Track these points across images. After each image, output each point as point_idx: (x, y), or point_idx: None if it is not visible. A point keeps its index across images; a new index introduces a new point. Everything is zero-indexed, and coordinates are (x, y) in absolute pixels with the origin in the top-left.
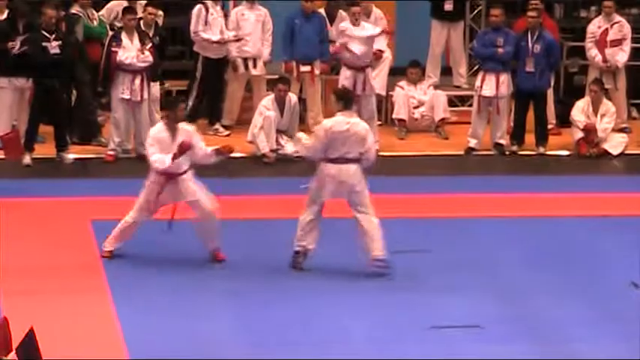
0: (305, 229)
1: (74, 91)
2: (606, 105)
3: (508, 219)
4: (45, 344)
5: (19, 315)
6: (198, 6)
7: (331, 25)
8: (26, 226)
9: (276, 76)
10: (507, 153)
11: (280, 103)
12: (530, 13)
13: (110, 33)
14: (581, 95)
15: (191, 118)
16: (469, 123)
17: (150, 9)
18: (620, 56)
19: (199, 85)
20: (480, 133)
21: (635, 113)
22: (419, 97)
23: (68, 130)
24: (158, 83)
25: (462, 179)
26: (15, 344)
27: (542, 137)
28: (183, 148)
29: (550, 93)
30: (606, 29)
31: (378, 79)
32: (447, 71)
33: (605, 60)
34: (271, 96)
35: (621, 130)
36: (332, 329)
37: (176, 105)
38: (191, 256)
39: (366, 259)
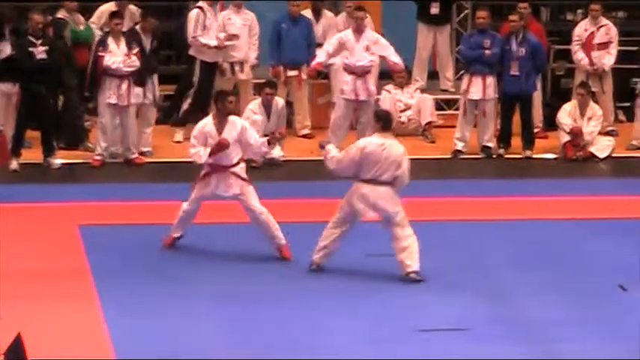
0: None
1: (61, 97)
2: (593, 108)
3: (495, 222)
4: (33, 349)
5: (6, 320)
6: (196, 10)
7: (317, 22)
8: (13, 231)
9: (263, 80)
10: (494, 156)
11: (267, 107)
12: (512, 17)
13: (97, 38)
14: (568, 98)
15: (182, 122)
16: (456, 126)
17: (150, 18)
18: (607, 59)
19: (196, 89)
20: (466, 137)
21: (621, 116)
22: (406, 101)
23: (55, 135)
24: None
25: (449, 183)
26: (2, 349)
27: (528, 140)
28: (221, 146)
29: (537, 96)
30: (593, 32)
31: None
32: (433, 75)
33: (591, 63)
34: (258, 100)
35: (608, 133)
36: (318, 331)
37: (225, 97)
38: (178, 259)
39: (400, 271)
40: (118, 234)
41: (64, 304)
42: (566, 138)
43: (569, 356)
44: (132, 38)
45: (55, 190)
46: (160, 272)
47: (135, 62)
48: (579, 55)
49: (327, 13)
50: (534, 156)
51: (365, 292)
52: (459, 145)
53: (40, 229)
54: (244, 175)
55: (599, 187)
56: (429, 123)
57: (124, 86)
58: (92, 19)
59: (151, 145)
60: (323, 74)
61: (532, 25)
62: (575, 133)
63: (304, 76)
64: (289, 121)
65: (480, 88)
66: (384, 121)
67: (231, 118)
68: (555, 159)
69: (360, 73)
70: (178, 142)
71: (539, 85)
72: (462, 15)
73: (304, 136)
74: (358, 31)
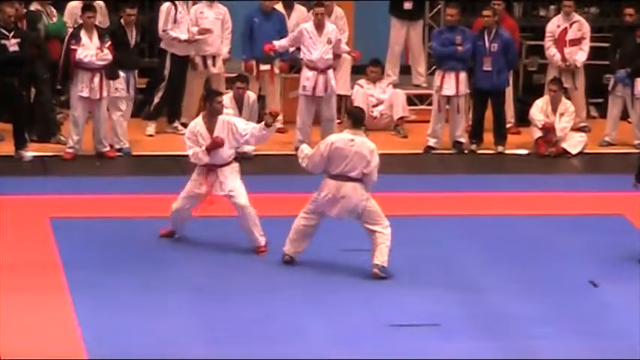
0: (299, 234)
1: (33, 89)
2: (565, 104)
3: (467, 217)
4: (1, 342)
5: None
6: (168, 4)
7: (289, 17)
8: None
9: (235, 74)
10: (466, 152)
11: (239, 101)
12: (485, 12)
13: (69, 31)
14: (540, 94)
15: (154, 116)
16: (428, 121)
17: (129, 10)
18: (579, 55)
19: (167, 83)
20: (439, 132)
21: (593, 112)
22: (378, 96)
23: (27, 127)
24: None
25: (421, 178)
26: None
27: (500, 136)
28: (216, 143)
29: (509, 92)
30: (565, 28)
31: (341, 80)
32: (405, 70)
33: (564, 59)
34: (230, 94)
35: (580, 130)
36: (291, 327)
37: (214, 97)
38: (150, 254)
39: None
40: (89, 227)
41: (34, 298)
42: (539, 134)
43: (541, 352)
44: (117, 32)
45: (27, 182)
46: (132, 266)
47: (107, 56)
48: (552, 51)
49: (300, 7)
50: (506, 152)
51: (338, 287)
52: (432, 142)
53: (11, 222)
54: (237, 173)
55: (571, 183)
56: (401, 118)
57: (96, 80)
58: (64, 18)
59: (127, 141)
60: (296, 68)
61: (505, 21)
62: (548, 129)
63: (277, 71)
64: (260, 115)
65: (453, 84)
66: (355, 118)
67: (220, 117)
68: (527, 155)
69: (322, 68)
70: (150, 135)
71: (511, 81)
72: (434, 10)
73: (276, 130)
74: (319, 26)
